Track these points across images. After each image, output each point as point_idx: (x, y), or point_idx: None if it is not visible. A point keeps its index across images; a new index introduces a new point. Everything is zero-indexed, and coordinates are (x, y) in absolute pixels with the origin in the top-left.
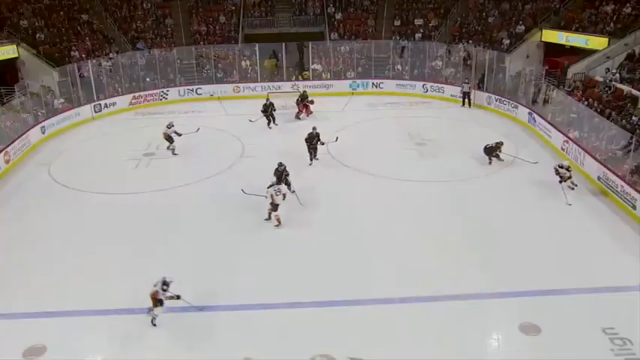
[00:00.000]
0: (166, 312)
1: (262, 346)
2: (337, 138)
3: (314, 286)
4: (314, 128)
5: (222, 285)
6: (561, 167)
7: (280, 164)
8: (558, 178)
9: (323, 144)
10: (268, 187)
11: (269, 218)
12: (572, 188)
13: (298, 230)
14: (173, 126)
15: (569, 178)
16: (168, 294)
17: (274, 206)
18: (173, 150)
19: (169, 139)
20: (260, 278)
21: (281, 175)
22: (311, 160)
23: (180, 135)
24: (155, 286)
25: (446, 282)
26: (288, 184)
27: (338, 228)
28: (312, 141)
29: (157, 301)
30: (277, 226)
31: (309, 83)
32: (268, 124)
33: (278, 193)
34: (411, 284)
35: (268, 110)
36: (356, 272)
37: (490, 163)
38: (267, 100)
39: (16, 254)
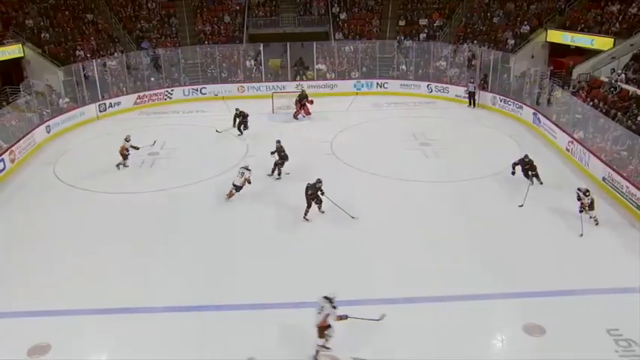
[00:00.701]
0: (169, 311)
1: (266, 346)
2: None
3: (317, 286)
4: (278, 142)
5: (225, 285)
6: (579, 190)
7: (319, 180)
8: (578, 206)
9: (282, 164)
10: (241, 167)
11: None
12: (596, 223)
13: (300, 230)
14: (130, 140)
15: (590, 206)
16: (337, 313)
17: (234, 186)
18: (124, 164)
19: (127, 155)
20: (262, 278)
21: (316, 191)
22: (272, 172)
23: (137, 149)
24: (321, 310)
25: (449, 282)
26: (319, 202)
27: (340, 228)
28: (280, 154)
29: (327, 328)
30: (226, 199)
31: (314, 83)
32: (240, 134)
33: (240, 176)
34: (414, 284)
35: (236, 120)
36: (359, 272)
37: (532, 183)
38: (237, 110)
39: (19, 253)
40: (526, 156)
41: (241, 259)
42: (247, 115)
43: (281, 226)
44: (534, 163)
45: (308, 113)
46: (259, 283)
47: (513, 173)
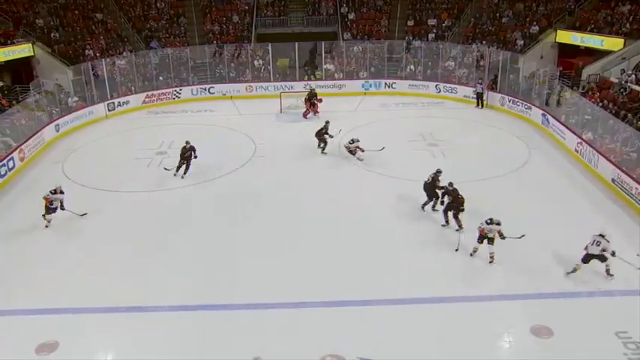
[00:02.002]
0: (173, 310)
1: (272, 346)
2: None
3: (323, 285)
4: (327, 122)
5: (225, 285)
6: (490, 223)
7: (438, 171)
8: (482, 235)
9: (332, 136)
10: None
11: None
12: (491, 260)
13: (305, 230)
14: (62, 192)
15: (492, 240)
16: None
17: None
18: (49, 221)
19: (51, 208)
20: (262, 278)
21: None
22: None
23: (63, 209)
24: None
25: (457, 283)
26: (437, 197)
27: (347, 227)
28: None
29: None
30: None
31: (322, 83)
32: (177, 169)
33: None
34: (421, 285)
35: (184, 155)
36: (365, 272)
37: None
38: (187, 143)
39: (25, 251)
40: (450, 184)
41: (241, 259)
42: (195, 151)
43: (281, 225)
44: (459, 196)
45: (316, 112)
46: (259, 283)
47: (443, 203)
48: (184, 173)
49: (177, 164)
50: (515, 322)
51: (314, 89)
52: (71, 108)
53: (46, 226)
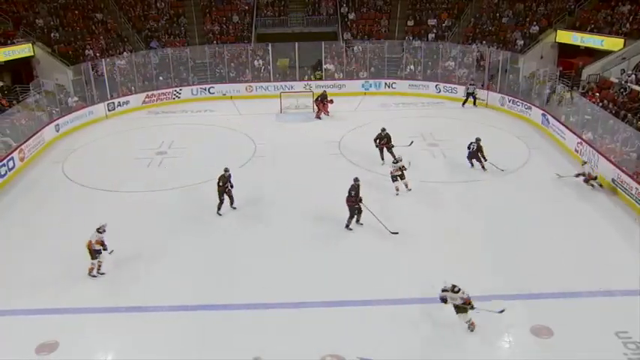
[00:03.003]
0: (173, 310)
1: (272, 346)
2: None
3: (323, 285)
4: (383, 129)
5: (225, 285)
6: (454, 291)
7: (356, 179)
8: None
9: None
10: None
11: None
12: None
13: (305, 230)
14: (105, 231)
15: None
16: None
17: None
18: (99, 267)
19: (97, 250)
20: (262, 278)
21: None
22: (382, 158)
23: (105, 250)
24: None
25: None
26: (359, 212)
27: (343, 227)
28: (381, 141)
29: None
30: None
31: (322, 83)
32: (220, 206)
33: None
34: (422, 285)
35: (224, 185)
36: (366, 272)
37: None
38: (227, 171)
39: (24, 251)
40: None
41: (241, 259)
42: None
43: (281, 225)
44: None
45: (327, 112)
46: (259, 283)
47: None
48: (232, 204)
49: (218, 200)
50: (515, 322)
51: (325, 92)
52: (71, 108)
53: (102, 273)
